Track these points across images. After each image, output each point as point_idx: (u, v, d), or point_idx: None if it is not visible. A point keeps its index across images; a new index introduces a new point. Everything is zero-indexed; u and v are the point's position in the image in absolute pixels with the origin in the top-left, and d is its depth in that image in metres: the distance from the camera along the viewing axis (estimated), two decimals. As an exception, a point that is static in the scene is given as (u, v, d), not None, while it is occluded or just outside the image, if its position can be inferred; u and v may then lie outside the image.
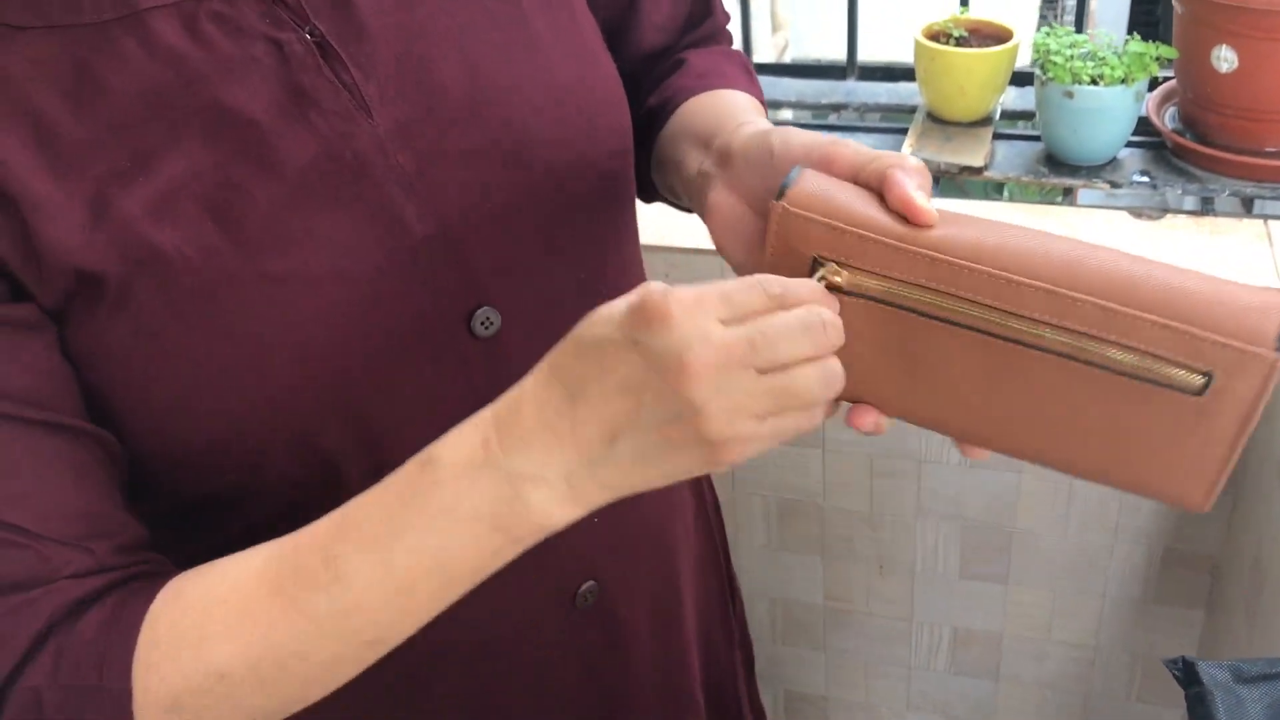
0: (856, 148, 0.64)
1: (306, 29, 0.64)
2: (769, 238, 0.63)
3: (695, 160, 0.76)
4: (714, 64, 0.89)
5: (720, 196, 0.69)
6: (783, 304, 0.56)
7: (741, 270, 0.67)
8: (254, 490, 0.69)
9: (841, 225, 0.61)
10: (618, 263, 0.81)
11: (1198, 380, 0.58)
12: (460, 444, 0.59)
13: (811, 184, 0.62)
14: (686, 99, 0.84)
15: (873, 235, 0.61)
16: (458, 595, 0.61)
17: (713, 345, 0.54)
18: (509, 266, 0.72)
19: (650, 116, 0.86)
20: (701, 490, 1.03)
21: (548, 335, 0.75)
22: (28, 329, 0.60)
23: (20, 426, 0.59)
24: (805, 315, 0.57)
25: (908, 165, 0.61)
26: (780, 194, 0.62)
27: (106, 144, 0.60)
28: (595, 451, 0.57)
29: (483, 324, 0.71)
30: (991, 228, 0.61)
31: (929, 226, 0.60)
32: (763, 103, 0.88)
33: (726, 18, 0.96)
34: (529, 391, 0.58)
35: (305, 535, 0.60)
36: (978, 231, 0.61)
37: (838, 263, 0.61)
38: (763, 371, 0.56)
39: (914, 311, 0.61)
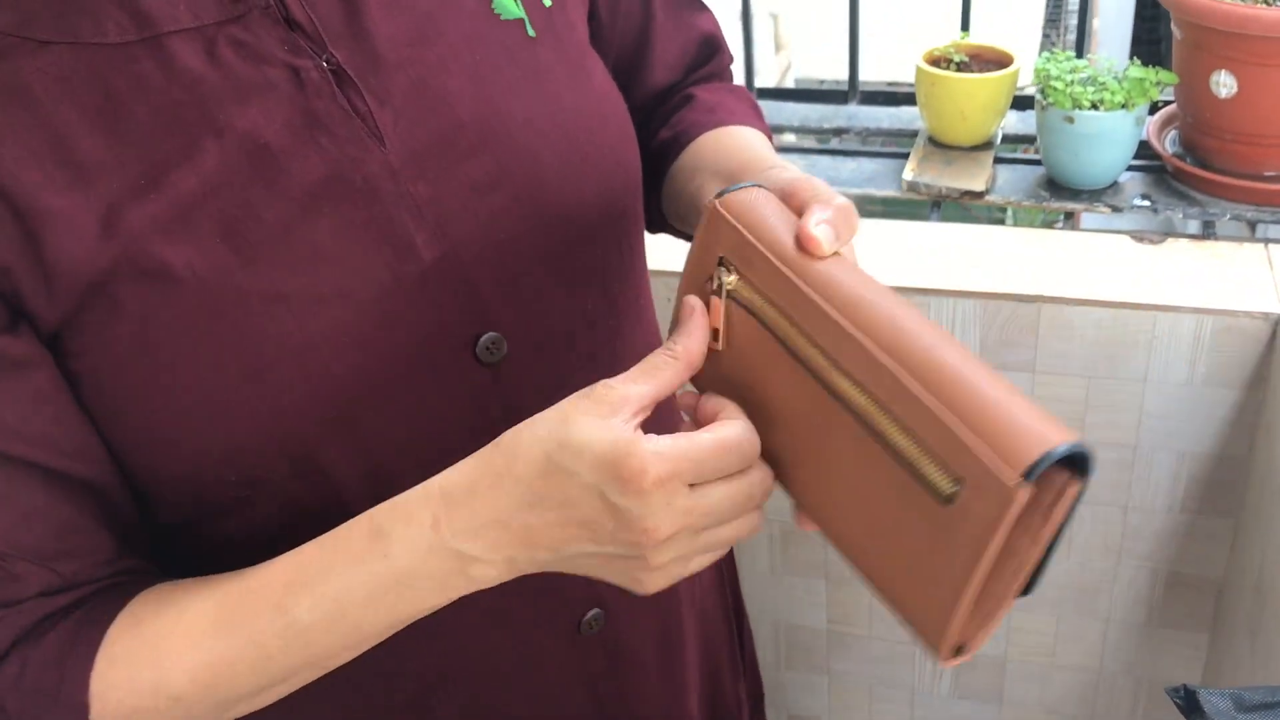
0: (815, 187, 0.67)
1: (324, 57, 0.66)
2: (697, 231, 0.67)
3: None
4: (721, 100, 0.92)
5: None
6: (743, 458, 0.62)
7: None
8: (253, 506, 0.70)
9: (748, 236, 0.64)
10: (626, 292, 0.82)
11: (948, 487, 0.53)
12: (410, 520, 0.62)
13: (750, 196, 0.66)
14: (699, 134, 0.88)
15: (765, 251, 0.63)
16: (419, 617, 0.66)
17: (675, 515, 0.59)
18: (516, 294, 0.73)
19: (662, 149, 0.88)
20: None
21: (553, 363, 0.76)
22: (23, 365, 0.62)
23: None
24: (750, 486, 0.62)
25: (828, 201, 0.64)
26: (720, 195, 0.66)
27: (122, 161, 0.61)
28: (540, 554, 0.62)
29: (488, 349, 0.72)
30: (875, 287, 0.60)
31: (817, 256, 0.62)
32: (769, 136, 0.91)
33: (731, 58, 0.99)
34: (485, 483, 0.61)
35: (257, 580, 0.65)
36: (859, 282, 0.60)
37: (735, 269, 0.64)
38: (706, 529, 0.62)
39: (773, 335, 0.63)
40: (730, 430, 0.61)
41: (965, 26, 1.65)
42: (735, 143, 0.85)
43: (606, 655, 0.87)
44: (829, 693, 1.76)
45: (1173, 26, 1.40)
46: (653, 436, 0.58)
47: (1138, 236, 1.38)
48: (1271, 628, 1.23)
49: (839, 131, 1.70)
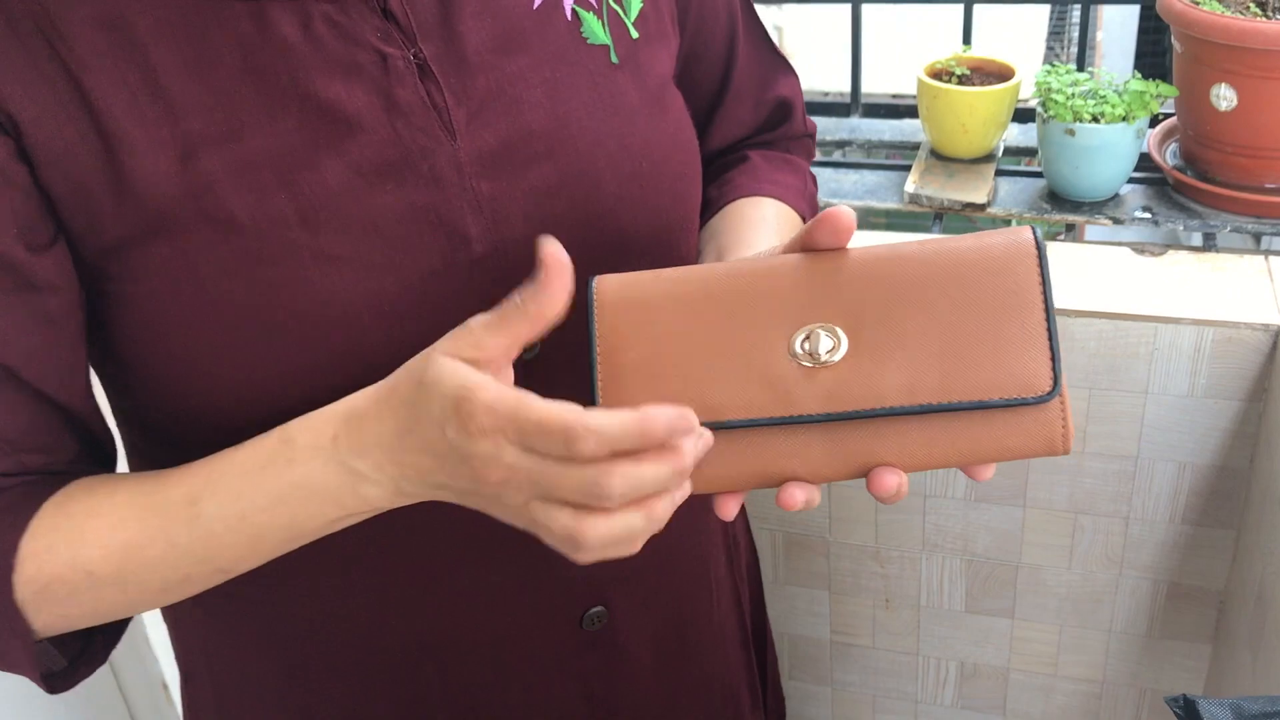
0: None
1: (413, 50, 0.70)
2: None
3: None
4: (773, 171, 0.95)
5: None
6: (578, 458, 0.57)
7: None
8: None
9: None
10: None
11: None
12: (314, 431, 0.65)
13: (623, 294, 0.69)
14: (736, 198, 0.91)
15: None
16: (306, 542, 0.68)
17: (500, 466, 0.58)
18: None
19: (705, 204, 0.91)
20: (732, 538, 1.04)
21: (584, 368, 0.77)
22: (41, 289, 0.66)
23: None
24: (585, 482, 0.57)
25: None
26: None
27: (207, 106, 0.66)
28: (420, 482, 0.63)
29: (525, 348, 0.73)
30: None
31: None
32: (811, 209, 0.95)
33: (808, 127, 1.02)
34: (375, 408, 0.63)
35: (176, 476, 0.68)
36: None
37: None
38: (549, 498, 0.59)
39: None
40: (568, 415, 0.56)
41: (967, 40, 1.66)
42: (745, 220, 0.88)
43: (604, 654, 0.88)
44: (832, 704, 1.76)
45: (1173, 40, 1.40)
46: (498, 388, 0.58)
47: (1139, 248, 1.38)
48: (1273, 639, 1.23)
49: (841, 144, 1.71)
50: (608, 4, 0.78)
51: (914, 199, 1.52)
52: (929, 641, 1.64)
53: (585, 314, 0.76)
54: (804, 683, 1.76)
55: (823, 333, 0.65)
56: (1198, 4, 1.34)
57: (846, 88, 1.77)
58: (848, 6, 1.70)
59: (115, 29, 0.64)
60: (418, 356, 0.63)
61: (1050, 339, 0.64)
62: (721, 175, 0.95)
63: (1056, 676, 1.59)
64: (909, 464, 0.65)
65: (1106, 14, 5.59)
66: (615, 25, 0.78)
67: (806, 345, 0.65)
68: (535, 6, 0.75)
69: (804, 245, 0.68)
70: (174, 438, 0.74)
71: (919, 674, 1.68)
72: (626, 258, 0.77)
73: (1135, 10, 5.73)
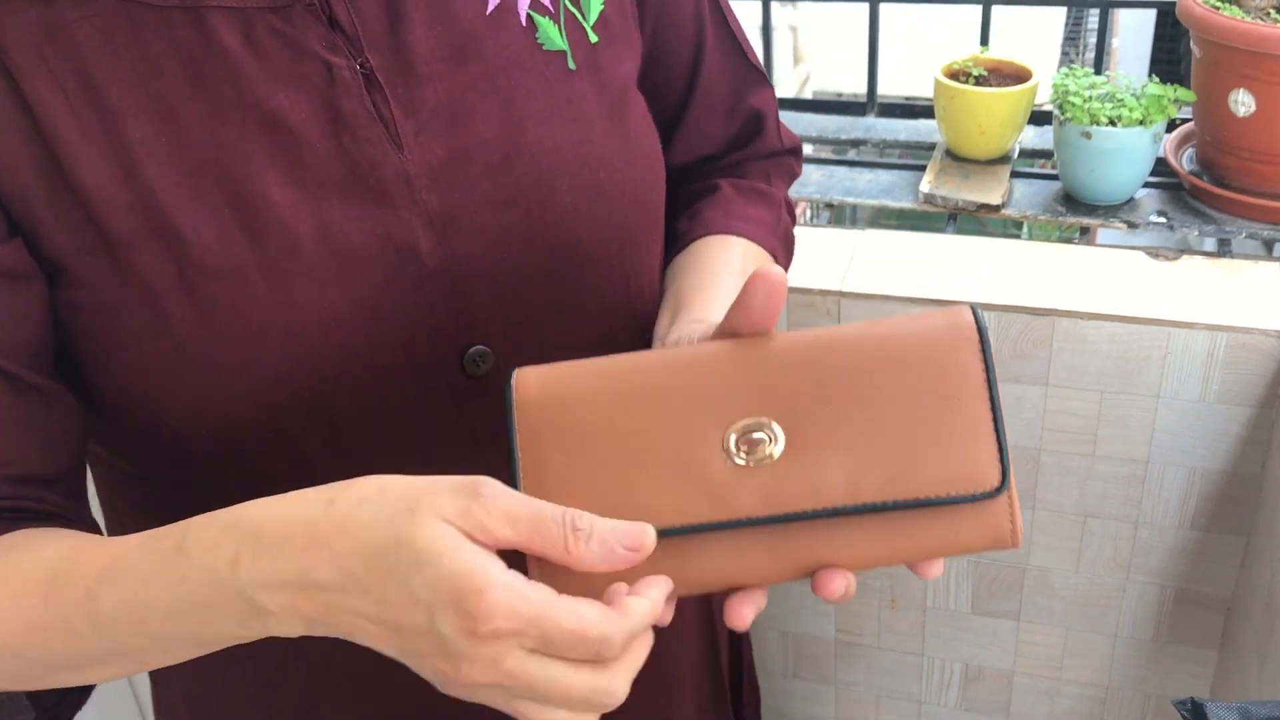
0: None
1: (359, 60, 0.68)
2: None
3: (661, 324, 0.80)
4: (744, 205, 0.90)
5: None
6: (601, 662, 0.53)
7: None
8: (226, 473, 0.71)
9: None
10: (631, 327, 0.82)
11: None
12: (212, 549, 0.56)
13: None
14: (704, 234, 0.87)
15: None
16: (214, 650, 0.60)
17: (497, 672, 0.51)
18: (512, 313, 0.74)
19: (674, 235, 0.89)
20: None
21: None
22: (11, 277, 0.63)
23: None
24: (590, 691, 0.53)
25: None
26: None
27: (148, 116, 0.64)
28: (339, 630, 0.55)
29: (475, 362, 0.73)
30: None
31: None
32: (783, 254, 0.91)
33: (784, 143, 0.96)
34: (299, 542, 0.54)
35: (86, 557, 0.61)
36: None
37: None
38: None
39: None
40: (604, 622, 0.52)
41: (985, 41, 1.66)
42: (705, 270, 0.83)
43: None
44: (836, 703, 1.76)
45: (1192, 44, 1.40)
46: (512, 577, 0.51)
47: (1153, 253, 1.38)
48: (1279, 644, 1.23)
49: (856, 143, 1.71)
50: (565, 7, 0.75)
51: (929, 199, 1.52)
52: (934, 642, 1.64)
53: (547, 346, 0.74)
54: (808, 681, 1.76)
55: (758, 429, 0.61)
56: (1218, 9, 1.33)
57: (860, 88, 1.77)
58: (865, 6, 1.70)
59: (53, 37, 0.62)
60: (381, 490, 0.53)
61: (996, 429, 0.61)
62: (692, 205, 0.91)
63: (1061, 680, 1.59)
64: (854, 564, 0.62)
65: (1122, 20, 5.58)
66: (573, 29, 0.76)
67: (742, 444, 0.61)
68: (488, 12, 0.72)
69: (739, 307, 0.65)
70: (129, 449, 0.72)
71: (923, 675, 1.68)
72: (583, 269, 0.76)
73: (1151, 17, 5.71)
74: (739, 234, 0.87)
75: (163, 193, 0.64)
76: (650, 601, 0.55)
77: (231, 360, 0.66)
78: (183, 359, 0.66)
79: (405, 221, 0.68)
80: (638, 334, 0.84)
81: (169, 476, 0.74)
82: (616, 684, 0.53)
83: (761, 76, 0.94)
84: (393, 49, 0.69)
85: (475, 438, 0.75)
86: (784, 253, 0.92)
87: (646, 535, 0.56)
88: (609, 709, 0.54)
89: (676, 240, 0.89)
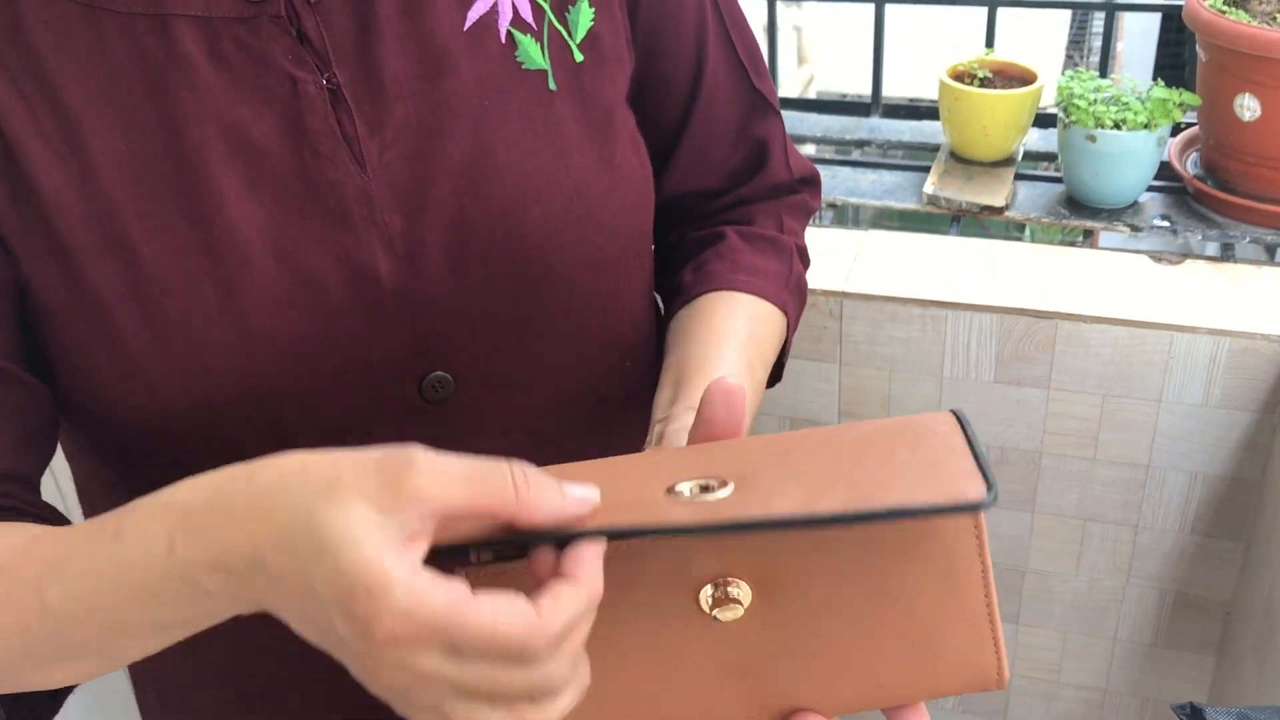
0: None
1: (325, 75, 0.66)
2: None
3: (661, 400, 0.75)
4: (752, 255, 0.85)
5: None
6: (532, 662, 0.47)
7: None
8: (180, 476, 0.69)
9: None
10: (607, 355, 0.80)
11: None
12: (147, 534, 0.53)
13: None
14: (710, 289, 0.82)
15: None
16: (192, 632, 0.57)
17: (405, 675, 0.47)
18: (474, 340, 0.72)
19: (680, 288, 0.84)
20: None
21: (506, 410, 0.74)
22: None
23: None
24: (538, 681, 0.48)
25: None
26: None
27: (107, 122, 0.63)
28: (279, 612, 0.51)
29: (434, 388, 0.71)
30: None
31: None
32: (794, 306, 0.85)
33: (802, 172, 0.90)
34: (221, 515, 0.50)
35: (34, 550, 0.58)
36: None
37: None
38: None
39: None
40: (519, 623, 0.46)
41: (990, 43, 1.65)
42: (714, 335, 0.78)
43: None
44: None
45: (1198, 48, 1.40)
46: (417, 576, 0.45)
47: (1156, 256, 1.38)
48: (1279, 650, 1.22)
49: (860, 143, 1.71)
50: (550, 24, 0.72)
51: (932, 200, 1.51)
52: (932, 644, 1.63)
53: (510, 375, 0.71)
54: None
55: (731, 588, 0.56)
56: (1224, 13, 1.33)
57: (864, 89, 1.77)
58: (870, 7, 1.70)
59: (14, 39, 0.61)
60: (303, 469, 0.49)
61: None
62: (697, 255, 0.86)
63: (1059, 684, 1.59)
64: (832, 709, 0.57)
65: (1127, 25, 5.58)
66: (557, 48, 0.73)
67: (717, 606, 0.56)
68: (466, 29, 0.70)
69: (701, 423, 0.61)
70: (93, 446, 0.72)
71: (921, 676, 1.68)
72: (554, 297, 0.73)
73: (1155, 22, 5.71)
74: (746, 290, 0.82)
75: (118, 203, 0.63)
76: (582, 583, 0.49)
77: (181, 374, 0.65)
78: (131, 370, 0.65)
79: (365, 243, 0.67)
80: (616, 363, 0.81)
81: (135, 481, 0.73)
82: (554, 673, 0.48)
83: (768, 104, 0.87)
84: (362, 65, 0.67)
85: None
86: (795, 304, 0.86)
87: (593, 490, 0.52)
88: (556, 699, 0.49)
89: (681, 294, 0.84)
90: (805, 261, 0.89)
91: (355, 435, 0.70)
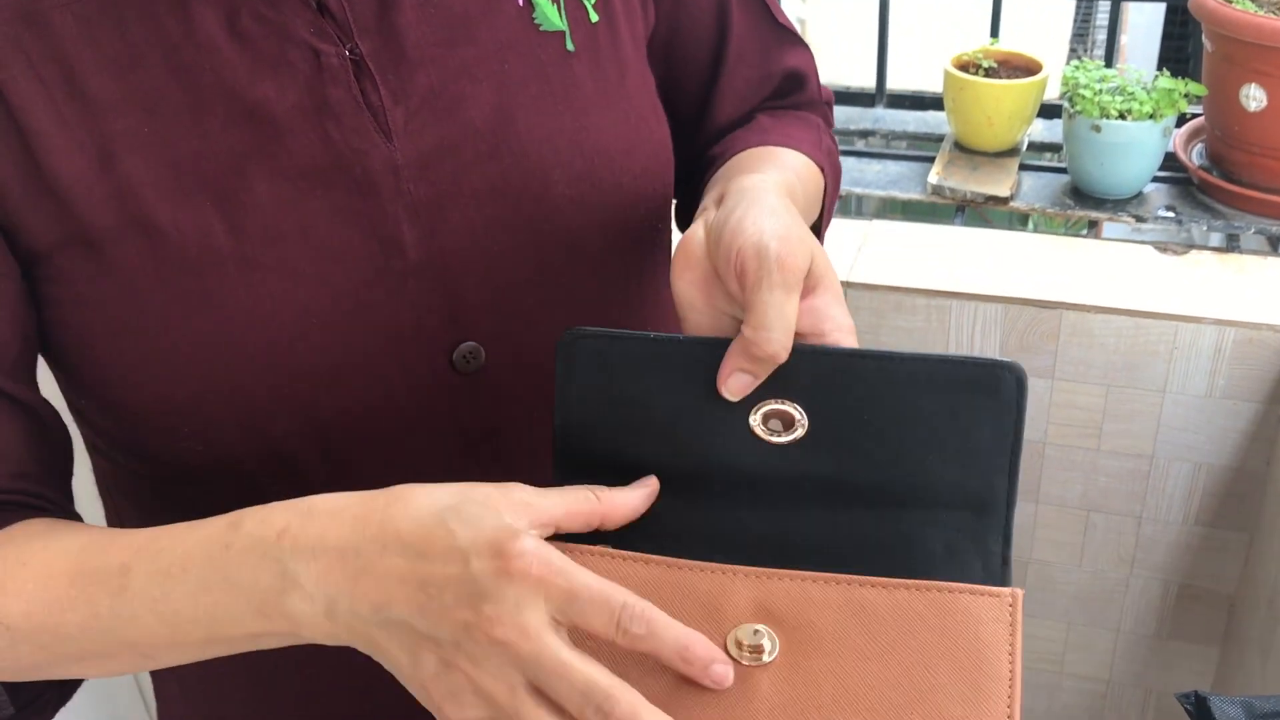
0: (775, 287, 0.59)
1: (348, 46, 0.66)
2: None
3: (707, 200, 0.74)
4: (783, 125, 0.85)
5: (695, 229, 0.66)
6: (620, 626, 0.53)
7: (681, 304, 0.64)
8: (209, 467, 0.70)
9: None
10: (632, 320, 0.79)
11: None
12: (265, 520, 0.57)
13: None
14: (742, 149, 0.81)
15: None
16: (225, 653, 0.61)
17: (514, 627, 0.51)
18: (503, 308, 0.71)
19: (708, 163, 0.84)
20: None
21: (538, 380, 0.73)
22: None
23: None
24: (597, 692, 0.51)
25: (763, 347, 0.58)
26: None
27: (128, 107, 0.62)
28: (361, 606, 0.55)
29: (465, 359, 0.71)
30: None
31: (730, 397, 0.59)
32: (829, 169, 0.84)
33: (823, 95, 0.92)
34: (352, 511, 0.56)
35: (122, 538, 0.61)
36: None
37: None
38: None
39: None
40: (620, 592, 0.53)
41: (995, 33, 1.65)
42: (751, 156, 0.78)
43: None
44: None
45: (1204, 39, 1.40)
46: (546, 543, 0.53)
47: (1161, 247, 1.38)
48: (1283, 642, 1.22)
49: (865, 134, 1.70)
50: None
51: (937, 190, 1.51)
52: (935, 635, 1.64)
53: (540, 342, 0.70)
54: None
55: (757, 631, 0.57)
56: (1230, 2, 1.33)
57: (869, 80, 1.77)
58: (876, -4, 1.70)
59: (32, 23, 0.61)
60: (434, 487, 0.56)
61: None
62: (726, 137, 0.84)
63: (1062, 674, 1.59)
64: None
65: (1131, 18, 5.57)
66: (573, 8, 0.72)
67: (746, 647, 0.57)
68: None
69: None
70: (117, 439, 0.71)
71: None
72: (579, 264, 0.73)
73: (1159, 16, 5.70)
74: (779, 144, 0.80)
75: (142, 185, 0.62)
76: (688, 637, 0.54)
77: (208, 356, 0.65)
78: (158, 353, 0.64)
79: (390, 214, 0.66)
80: (642, 326, 0.79)
81: (160, 473, 0.72)
82: (618, 689, 0.51)
83: (796, 37, 0.88)
84: (383, 34, 0.66)
85: (468, 437, 0.73)
86: (830, 169, 0.85)
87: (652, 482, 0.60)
88: (604, 716, 0.51)
89: (710, 164, 0.82)
90: (833, 142, 0.90)
91: (387, 412, 0.70)
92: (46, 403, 0.68)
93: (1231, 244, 1.40)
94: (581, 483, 0.60)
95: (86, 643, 0.61)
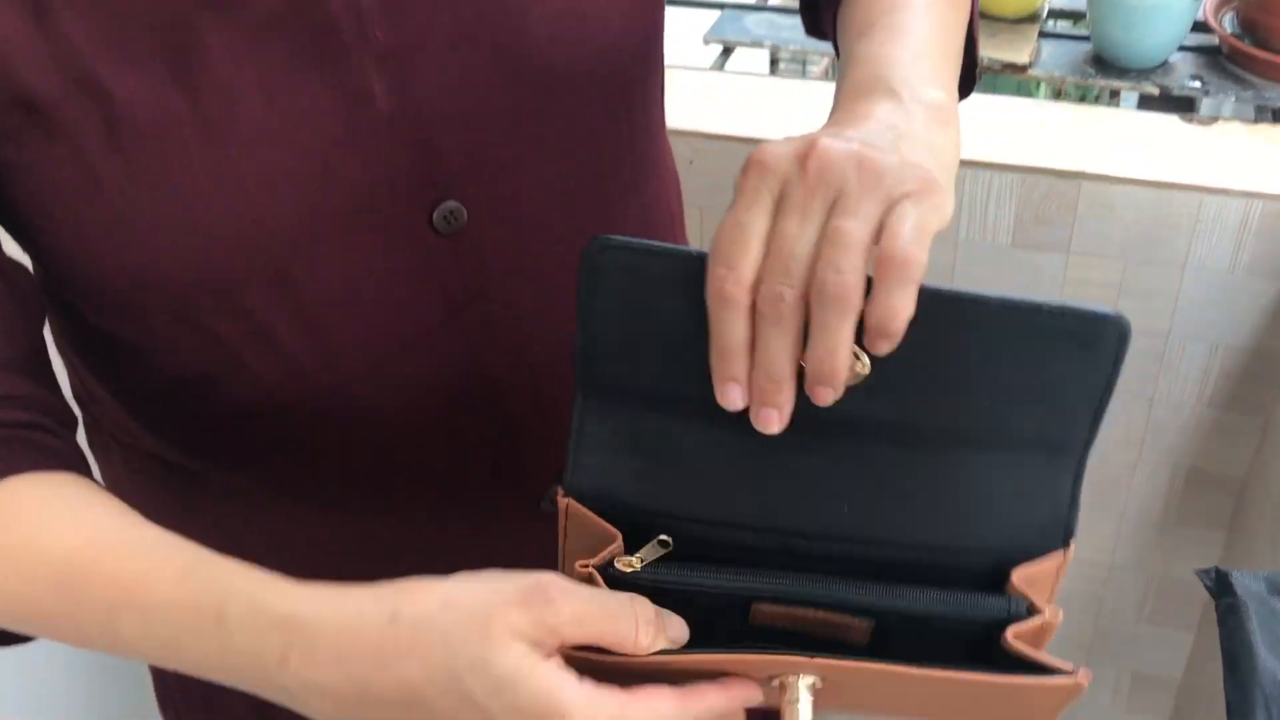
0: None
1: None
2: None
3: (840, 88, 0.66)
4: None
5: None
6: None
7: None
8: (180, 337, 0.67)
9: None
10: (621, 169, 0.75)
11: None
12: (260, 638, 0.55)
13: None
14: None
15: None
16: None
17: None
18: (483, 162, 0.67)
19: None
20: None
21: (522, 240, 0.70)
22: None
23: None
24: None
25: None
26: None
27: None
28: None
29: (446, 219, 0.66)
30: None
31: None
32: None
33: None
34: (360, 654, 0.53)
35: (104, 565, 0.58)
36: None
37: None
38: None
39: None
40: (673, 709, 0.52)
41: (1018, -109, 1.57)
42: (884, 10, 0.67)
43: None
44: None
45: (1242, -106, 1.32)
46: (588, 689, 0.51)
47: (1187, 116, 1.32)
48: (1295, 526, 1.20)
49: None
50: None
51: (952, 56, 1.45)
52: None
53: (524, 197, 0.68)
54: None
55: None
56: None
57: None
58: None
59: None
60: (448, 607, 0.52)
61: None
62: None
63: (1063, 559, 1.57)
64: None
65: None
66: None
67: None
68: None
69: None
70: (89, 316, 0.68)
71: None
72: (565, 107, 0.68)
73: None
74: None
75: (83, 43, 0.57)
76: (729, 695, 0.54)
77: (171, 224, 0.60)
78: (119, 224, 0.60)
79: (356, 62, 0.61)
80: (630, 174, 0.76)
81: (126, 350, 0.69)
82: None
83: None
84: None
85: (452, 302, 0.69)
86: None
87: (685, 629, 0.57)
88: None
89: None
90: None
91: (364, 277, 0.66)
92: (12, 260, 0.64)
93: (1260, 115, 1.34)
94: (607, 412, 0.56)
95: (77, 643, 0.61)
